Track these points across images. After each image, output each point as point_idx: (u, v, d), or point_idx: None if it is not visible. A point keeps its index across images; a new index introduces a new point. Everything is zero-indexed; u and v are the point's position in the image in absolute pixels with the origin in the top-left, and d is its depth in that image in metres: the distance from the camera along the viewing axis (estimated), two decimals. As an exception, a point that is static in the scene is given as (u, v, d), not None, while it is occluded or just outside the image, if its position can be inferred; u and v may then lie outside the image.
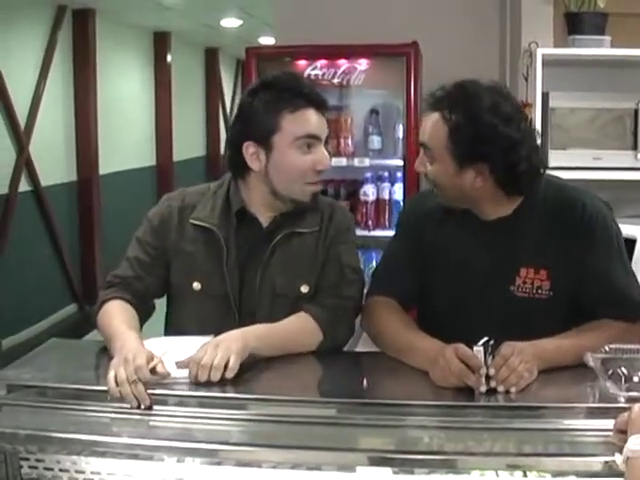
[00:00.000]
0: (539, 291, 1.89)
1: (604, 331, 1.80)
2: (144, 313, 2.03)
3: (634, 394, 1.53)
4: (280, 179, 1.97)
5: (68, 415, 1.59)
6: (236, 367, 1.68)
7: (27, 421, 1.57)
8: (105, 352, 1.84)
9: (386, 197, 4.06)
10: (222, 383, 1.67)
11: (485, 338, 1.61)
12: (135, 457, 1.51)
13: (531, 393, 1.62)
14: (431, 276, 2.00)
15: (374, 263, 3.73)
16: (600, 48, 3.42)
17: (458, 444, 1.46)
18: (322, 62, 3.94)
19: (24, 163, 6.83)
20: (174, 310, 2.11)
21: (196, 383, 1.67)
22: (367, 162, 3.99)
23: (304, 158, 1.95)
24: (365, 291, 2.07)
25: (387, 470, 1.47)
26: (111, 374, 1.63)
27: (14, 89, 6.58)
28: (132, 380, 1.60)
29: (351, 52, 3.91)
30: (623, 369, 1.61)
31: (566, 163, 3.45)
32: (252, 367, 1.75)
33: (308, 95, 1.95)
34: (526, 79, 3.53)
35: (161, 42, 9.84)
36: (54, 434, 1.52)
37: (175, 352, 1.73)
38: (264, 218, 2.03)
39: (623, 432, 1.34)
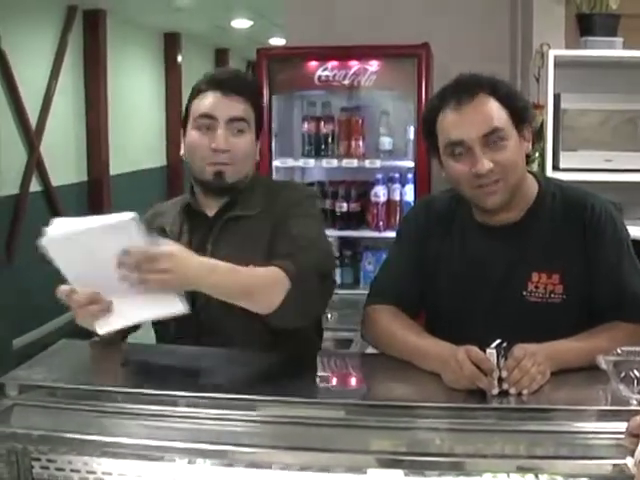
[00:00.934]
0: (552, 295, 1.87)
1: (616, 333, 1.79)
2: None
3: (646, 397, 1.53)
4: (191, 162, 2.04)
5: (80, 415, 1.59)
6: None
7: (39, 421, 1.57)
8: (115, 352, 1.84)
9: (397, 198, 4.05)
10: (232, 384, 1.67)
11: (498, 340, 1.61)
12: (146, 458, 1.51)
13: (543, 395, 1.61)
14: (439, 283, 1.98)
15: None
16: (612, 49, 3.42)
17: (469, 446, 1.46)
18: (333, 63, 3.92)
19: (35, 163, 6.87)
20: None
21: None
22: (378, 163, 3.98)
23: (202, 137, 2.00)
24: (366, 292, 2.05)
25: (398, 472, 1.46)
26: None
27: (25, 89, 6.62)
28: None
29: (362, 53, 3.90)
30: (635, 372, 1.60)
31: (577, 165, 3.45)
32: (262, 368, 1.74)
33: (216, 80, 2.01)
34: (538, 80, 3.53)
35: (171, 43, 9.88)
36: (66, 434, 1.52)
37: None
38: (210, 210, 2.07)
39: (635, 435, 1.33)
